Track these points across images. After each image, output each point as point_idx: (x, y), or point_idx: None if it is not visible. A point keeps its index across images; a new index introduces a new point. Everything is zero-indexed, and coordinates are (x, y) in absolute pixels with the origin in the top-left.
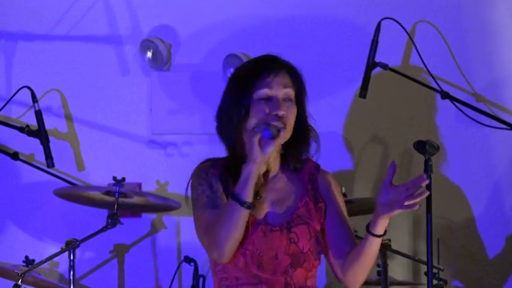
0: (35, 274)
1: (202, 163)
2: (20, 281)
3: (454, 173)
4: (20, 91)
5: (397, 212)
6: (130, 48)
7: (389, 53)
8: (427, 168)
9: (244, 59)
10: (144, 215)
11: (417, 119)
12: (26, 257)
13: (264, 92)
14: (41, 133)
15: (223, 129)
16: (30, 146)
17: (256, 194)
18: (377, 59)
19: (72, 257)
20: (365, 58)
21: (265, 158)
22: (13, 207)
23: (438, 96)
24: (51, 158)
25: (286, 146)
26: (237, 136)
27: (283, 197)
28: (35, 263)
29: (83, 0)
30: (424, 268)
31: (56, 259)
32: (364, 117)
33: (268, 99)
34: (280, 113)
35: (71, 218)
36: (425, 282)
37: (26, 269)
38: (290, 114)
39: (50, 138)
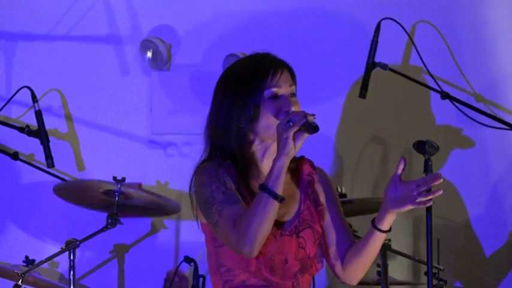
0: (35, 274)
1: (204, 162)
2: (20, 281)
3: (454, 173)
4: (20, 91)
5: (408, 208)
6: (130, 48)
7: (389, 53)
8: (427, 169)
9: None
10: None
11: (417, 119)
12: (26, 257)
13: (274, 91)
14: (41, 133)
15: (223, 133)
16: (30, 146)
17: None
18: (377, 59)
19: (72, 257)
20: (365, 58)
21: (295, 152)
22: (13, 207)
23: (438, 96)
24: (51, 158)
25: None
26: (245, 137)
27: (287, 200)
28: (35, 263)
29: (83, 0)
30: (424, 268)
31: (56, 259)
32: (364, 117)
33: (277, 97)
34: (292, 109)
35: (71, 218)
36: (425, 282)
37: (26, 269)
38: (299, 109)
39: (50, 138)
